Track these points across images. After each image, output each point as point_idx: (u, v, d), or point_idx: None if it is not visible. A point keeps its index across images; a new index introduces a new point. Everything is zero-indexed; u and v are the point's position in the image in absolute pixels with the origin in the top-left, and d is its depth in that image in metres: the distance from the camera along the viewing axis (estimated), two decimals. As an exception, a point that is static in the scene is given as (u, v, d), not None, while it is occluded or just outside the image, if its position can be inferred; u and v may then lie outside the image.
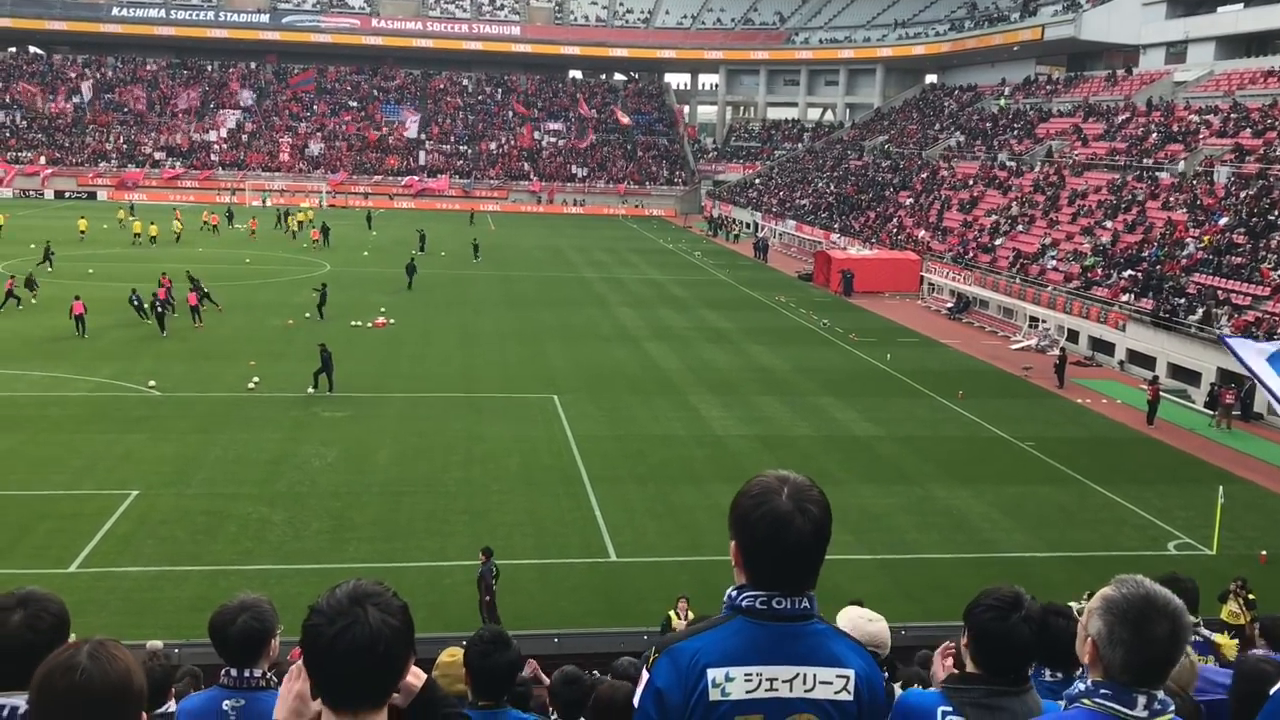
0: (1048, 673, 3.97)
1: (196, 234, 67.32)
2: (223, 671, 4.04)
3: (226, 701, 3.90)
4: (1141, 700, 2.79)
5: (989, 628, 3.43)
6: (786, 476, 2.90)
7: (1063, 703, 2.94)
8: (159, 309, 39.03)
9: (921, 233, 63.40)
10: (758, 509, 2.82)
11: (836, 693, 2.84)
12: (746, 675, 2.81)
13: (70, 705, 2.48)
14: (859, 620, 4.27)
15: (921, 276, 56.53)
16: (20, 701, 3.00)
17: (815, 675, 2.84)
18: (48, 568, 18.93)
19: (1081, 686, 2.88)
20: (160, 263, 51.25)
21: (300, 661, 2.73)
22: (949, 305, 52.25)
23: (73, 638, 3.11)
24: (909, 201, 70.81)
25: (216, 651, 4.10)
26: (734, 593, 2.90)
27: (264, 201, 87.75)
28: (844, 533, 21.92)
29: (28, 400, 29.59)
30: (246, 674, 3.99)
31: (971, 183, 67.06)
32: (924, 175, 73.97)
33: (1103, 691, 2.82)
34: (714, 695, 2.79)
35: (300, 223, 71.79)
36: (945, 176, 71.48)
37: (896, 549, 21.58)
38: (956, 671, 3.75)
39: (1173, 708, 2.83)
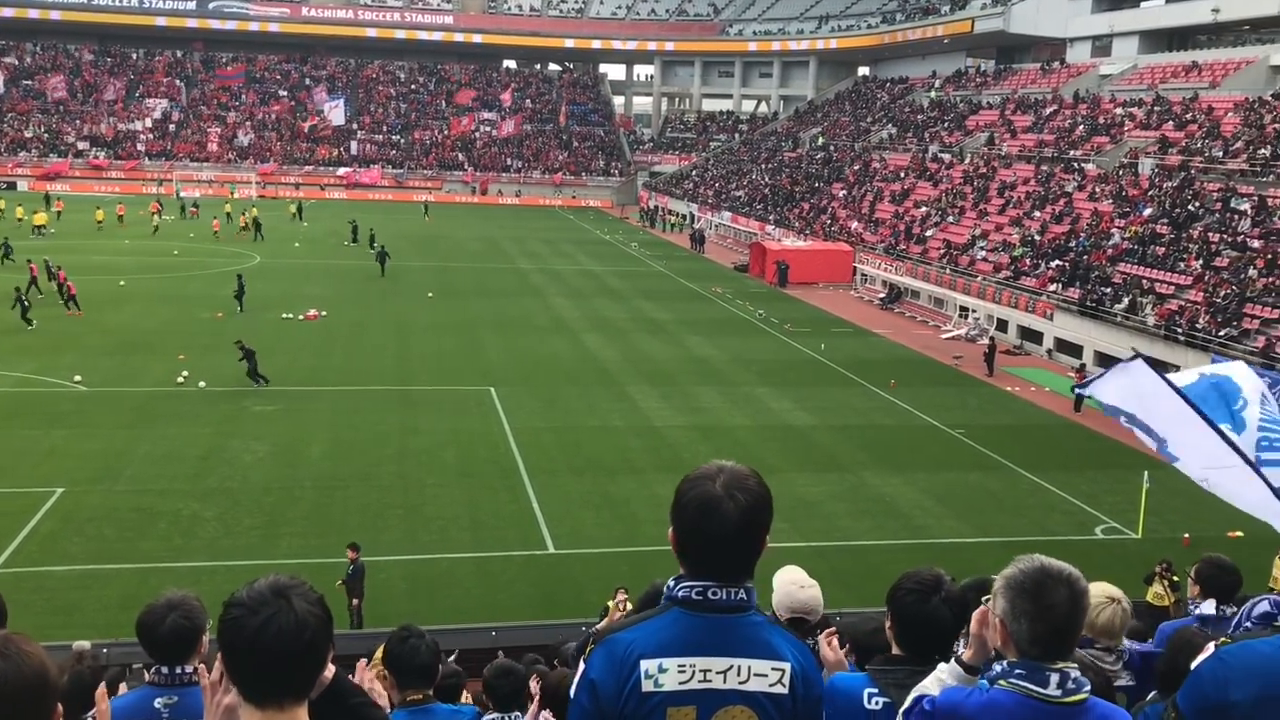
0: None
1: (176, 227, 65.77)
2: (152, 669, 3.96)
3: (159, 699, 3.84)
4: (1055, 679, 2.86)
5: (911, 610, 3.49)
6: (726, 465, 2.91)
7: (984, 683, 3.01)
8: (23, 301, 37.60)
9: (854, 224, 64.05)
10: (689, 493, 2.85)
11: (771, 685, 2.84)
12: (680, 666, 2.80)
13: None
14: (791, 589, 4.30)
15: (854, 267, 57.13)
16: None
17: (750, 667, 2.83)
18: (-31, 568, 18.47)
19: (998, 668, 2.96)
20: (79, 254, 50.12)
21: (221, 672, 2.66)
22: (881, 296, 52.87)
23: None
24: (842, 193, 71.48)
25: (145, 650, 4.02)
26: (672, 583, 2.91)
27: (177, 194, 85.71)
28: (779, 520, 21.92)
29: (-54, 396, 28.78)
30: (178, 671, 3.92)
31: (903, 174, 67.88)
32: (856, 167, 74.70)
33: (1017, 671, 2.90)
34: (646, 686, 2.78)
35: (229, 214, 70.26)
36: (877, 168, 72.27)
37: (831, 536, 21.82)
38: (840, 657, 3.82)
39: (1088, 688, 2.90)
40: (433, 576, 19.34)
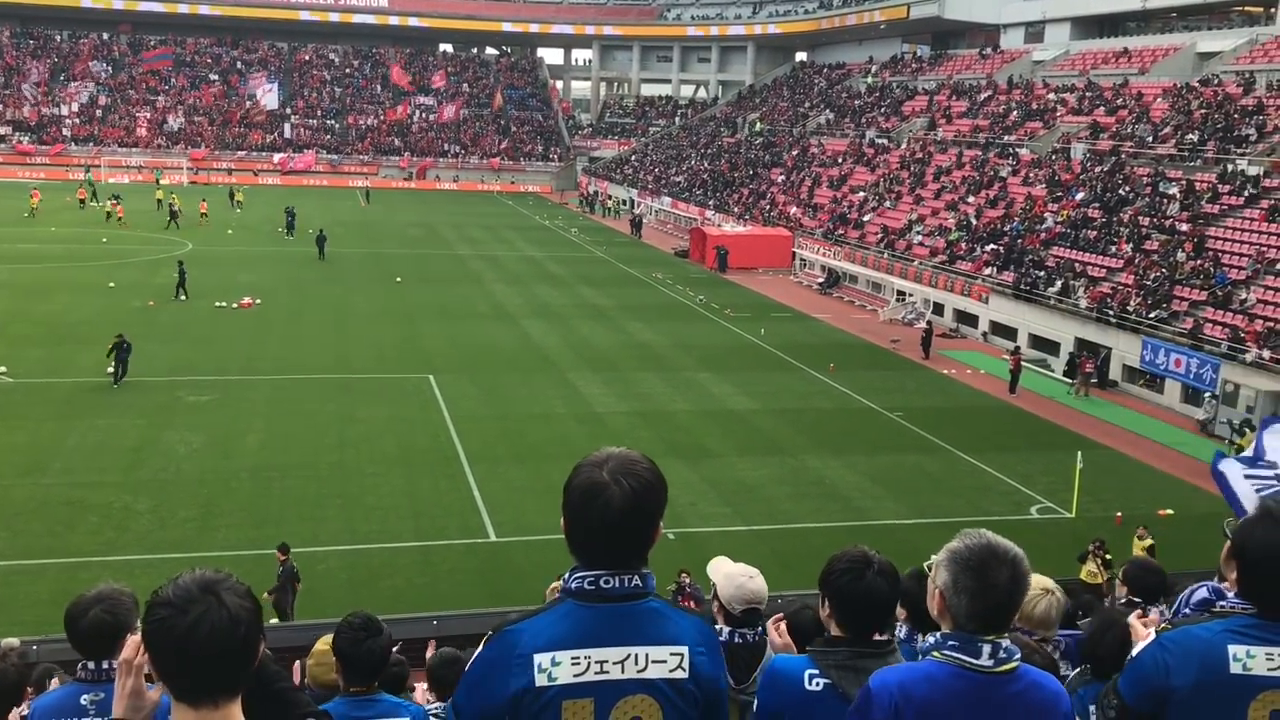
0: (919, 638, 4.06)
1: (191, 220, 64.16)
2: (79, 665, 3.87)
3: (85, 696, 3.75)
4: (986, 649, 2.88)
5: (848, 589, 3.49)
6: (616, 451, 2.87)
7: (917, 654, 3.02)
8: None
9: (793, 209, 64.40)
10: (576, 479, 2.81)
11: (671, 671, 2.79)
12: (574, 659, 2.74)
13: None
14: (741, 580, 4.28)
15: (794, 252, 57.47)
16: None
17: (647, 654, 2.78)
18: (-110, 566, 17.95)
19: (931, 639, 2.97)
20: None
21: (128, 656, 2.61)
22: (820, 280, 53.25)
23: None
24: (781, 178, 71.82)
25: (70, 644, 3.92)
26: (566, 575, 2.85)
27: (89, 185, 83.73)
28: (721, 505, 22.22)
29: None
30: (105, 666, 3.83)
31: (841, 160, 68.36)
32: (795, 152, 75.09)
33: (950, 643, 2.92)
34: (540, 680, 2.72)
35: (159, 200, 68.50)
36: (815, 154, 72.70)
37: (772, 519, 21.97)
38: (789, 641, 3.83)
39: (1018, 655, 2.92)
40: (373, 566, 19.18)
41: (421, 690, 7.53)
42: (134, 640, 2.65)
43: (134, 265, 48.53)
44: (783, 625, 3.97)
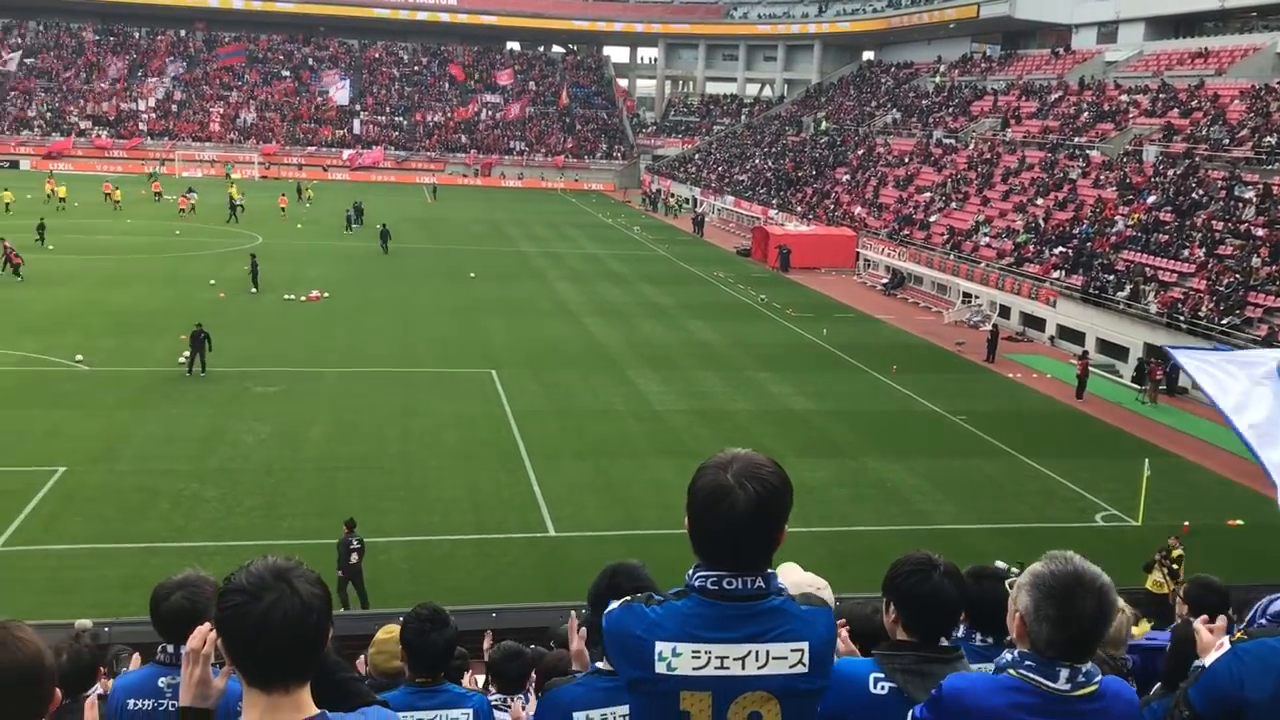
0: (978, 637, 4.04)
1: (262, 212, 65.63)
2: (159, 648, 3.99)
3: (162, 679, 3.87)
4: (1064, 673, 2.84)
5: (915, 590, 3.46)
6: (740, 453, 2.87)
7: (992, 668, 3.00)
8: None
9: (858, 209, 63.92)
10: (700, 480, 2.82)
11: (791, 667, 2.82)
12: (694, 651, 2.78)
13: None
14: (807, 589, 4.28)
15: (857, 252, 57.04)
16: None
17: (768, 652, 2.81)
18: (-29, 546, 18.52)
19: (1009, 656, 2.94)
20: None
21: (194, 646, 2.69)
22: (884, 281, 52.81)
23: None
24: (846, 178, 71.32)
25: (153, 626, 4.04)
26: (690, 571, 2.88)
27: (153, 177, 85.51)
28: (780, 506, 22.11)
29: (-52, 375, 28.79)
30: (182, 650, 3.94)
31: (907, 160, 67.69)
32: (861, 152, 74.50)
33: (1027, 663, 2.88)
34: (660, 668, 2.78)
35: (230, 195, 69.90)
36: (881, 153, 72.07)
37: (831, 521, 21.85)
38: (851, 646, 3.82)
39: (1098, 678, 2.88)
40: (435, 557, 19.40)
41: (468, 679, 7.63)
42: (201, 630, 2.74)
43: (205, 258, 49.54)
44: (844, 630, 3.97)
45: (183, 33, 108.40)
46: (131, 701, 3.84)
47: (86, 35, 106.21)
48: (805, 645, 2.84)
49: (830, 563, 18.93)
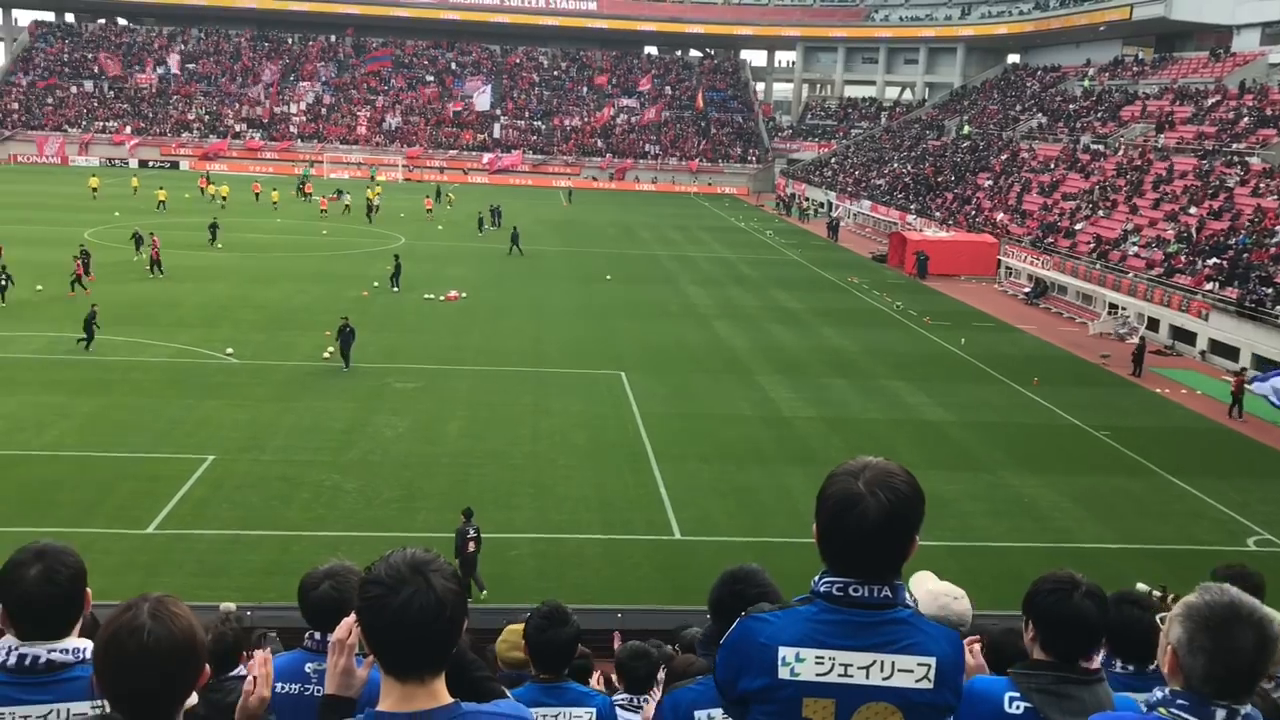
0: (1119, 664, 3.88)
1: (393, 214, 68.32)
2: (306, 634, 4.13)
3: (309, 664, 4.00)
4: (1221, 714, 2.66)
5: (1054, 609, 3.34)
6: (872, 461, 2.84)
7: (1142, 705, 2.85)
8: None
9: (1000, 215, 62.30)
10: (831, 488, 2.80)
11: (917, 681, 2.79)
12: (818, 658, 2.77)
13: (138, 665, 2.57)
14: (945, 600, 4.18)
15: (998, 260, 55.59)
16: (42, 651, 3.17)
17: (894, 663, 2.78)
18: (127, 528, 19.50)
19: (1160, 695, 2.78)
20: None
21: (340, 636, 2.78)
22: (1026, 290, 51.35)
23: (88, 595, 3.25)
24: (988, 183, 69.60)
25: (301, 614, 4.19)
26: (816, 577, 2.88)
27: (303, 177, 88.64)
28: (911, 518, 21.68)
29: (114, 364, 30.38)
30: (329, 638, 4.07)
31: (1053, 165, 65.70)
32: (1004, 157, 72.61)
33: (1179, 702, 2.70)
34: (782, 673, 2.77)
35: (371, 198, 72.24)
36: (1025, 159, 70.11)
37: (965, 536, 21.33)
38: (982, 662, 3.71)
39: None
40: (562, 555, 19.61)
41: (595, 679, 7.67)
42: (347, 622, 2.83)
43: (351, 257, 51.19)
44: (976, 646, 3.87)
45: (333, 38, 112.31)
46: (279, 685, 3.98)
47: (243, 41, 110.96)
48: (933, 661, 2.80)
49: (963, 578, 18.37)
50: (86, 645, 3.21)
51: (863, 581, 2.79)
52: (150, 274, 43.06)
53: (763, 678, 2.80)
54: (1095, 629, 3.37)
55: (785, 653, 2.78)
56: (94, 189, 69.38)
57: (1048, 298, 50.02)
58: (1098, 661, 3.43)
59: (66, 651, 3.19)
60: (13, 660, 3.17)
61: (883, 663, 2.78)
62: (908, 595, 2.88)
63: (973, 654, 3.82)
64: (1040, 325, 44.23)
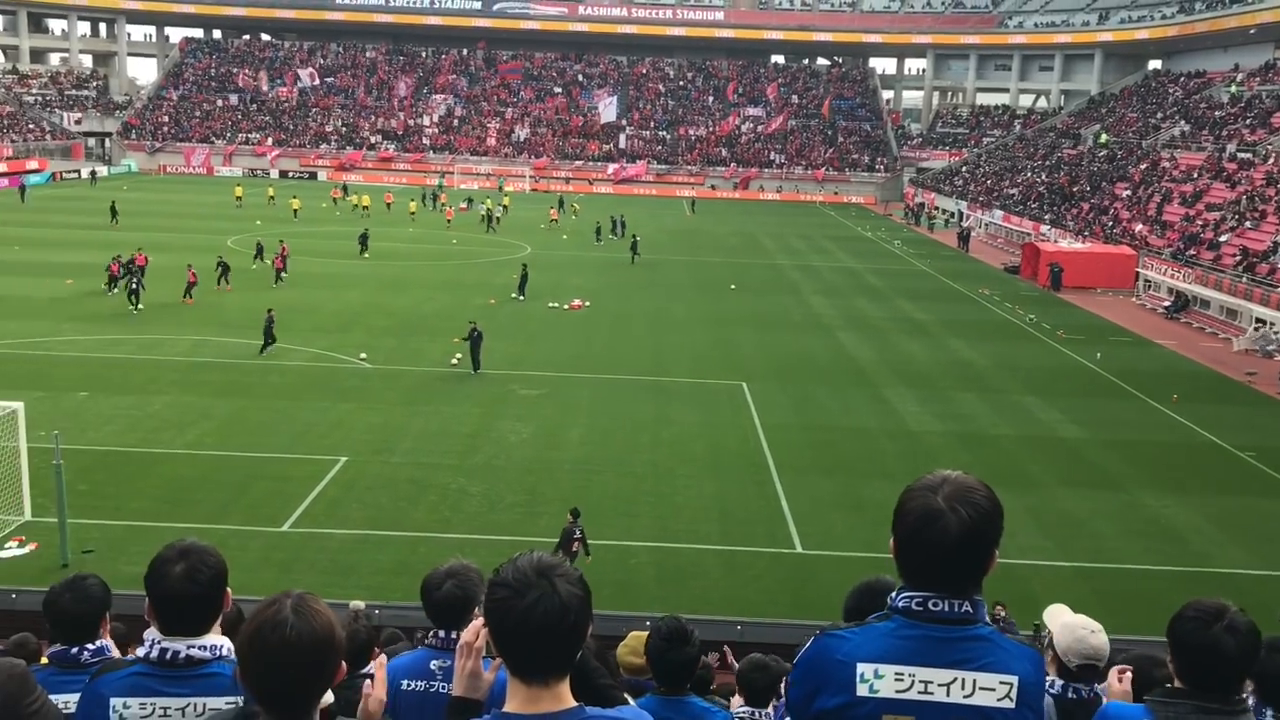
0: (1270, 714, 3.69)
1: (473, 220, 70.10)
2: (430, 633, 4.24)
3: (434, 661, 4.11)
4: None
5: (1191, 638, 3.22)
6: (951, 475, 2.82)
7: None
8: (132, 285, 38.79)
9: (1139, 226, 60.14)
10: (910, 503, 2.79)
11: (998, 700, 2.74)
12: (897, 674, 2.74)
13: (280, 660, 2.66)
14: (1082, 634, 4.05)
15: (1137, 272, 53.67)
16: (182, 646, 3.31)
17: (975, 680, 2.74)
18: (263, 525, 20.22)
19: None
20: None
21: (468, 639, 2.85)
22: (1166, 304, 49.44)
23: (225, 594, 3.38)
24: (1126, 193, 67.29)
25: (425, 613, 4.30)
26: (894, 593, 2.85)
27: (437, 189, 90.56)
28: (1042, 538, 21.09)
29: (252, 367, 31.59)
30: (453, 636, 4.18)
31: (1196, 175, 63.14)
32: (1143, 166, 70.11)
33: None
34: (861, 690, 2.74)
35: (504, 206, 73.76)
36: (1166, 168, 67.56)
37: (1097, 557, 20.62)
38: (1128, 689, 3.59)
39: None
40: (681, 565, 19.61)
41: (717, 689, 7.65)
42: (475, 625, 2.90)
43: (479, 266, 52.22)
44: (1128, 674, 3.74)
45: (464, 51, 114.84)
46: (405, 682, 4.09)
47: (378, 55, 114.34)
48: (1015, 680, 2.75)
49: (1095, 602, 17.86)
50: (225, 643, 3.37)
51: (943, 596, 2.75)
52: (275, 284, 43.79)
53: (840, 695, 2.76)
54: (1231, 664, 3.21)
55: (864, 669, 2.75)
56: (238, 198, 72.54)
57: (1189, 312, 48.08)
58: (1245, 696, 3.28)
59: (205, 648, 3.33)
60: (155, 653, 3.33)
61: (963, 680, 2.73)
62: (985, 611, 2.82)
63: (1121, 681, 3.71)
64: (1181, 341, 42.52)
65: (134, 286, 38.54)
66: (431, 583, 4.21)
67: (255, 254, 48.49)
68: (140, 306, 38.26)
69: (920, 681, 2.74)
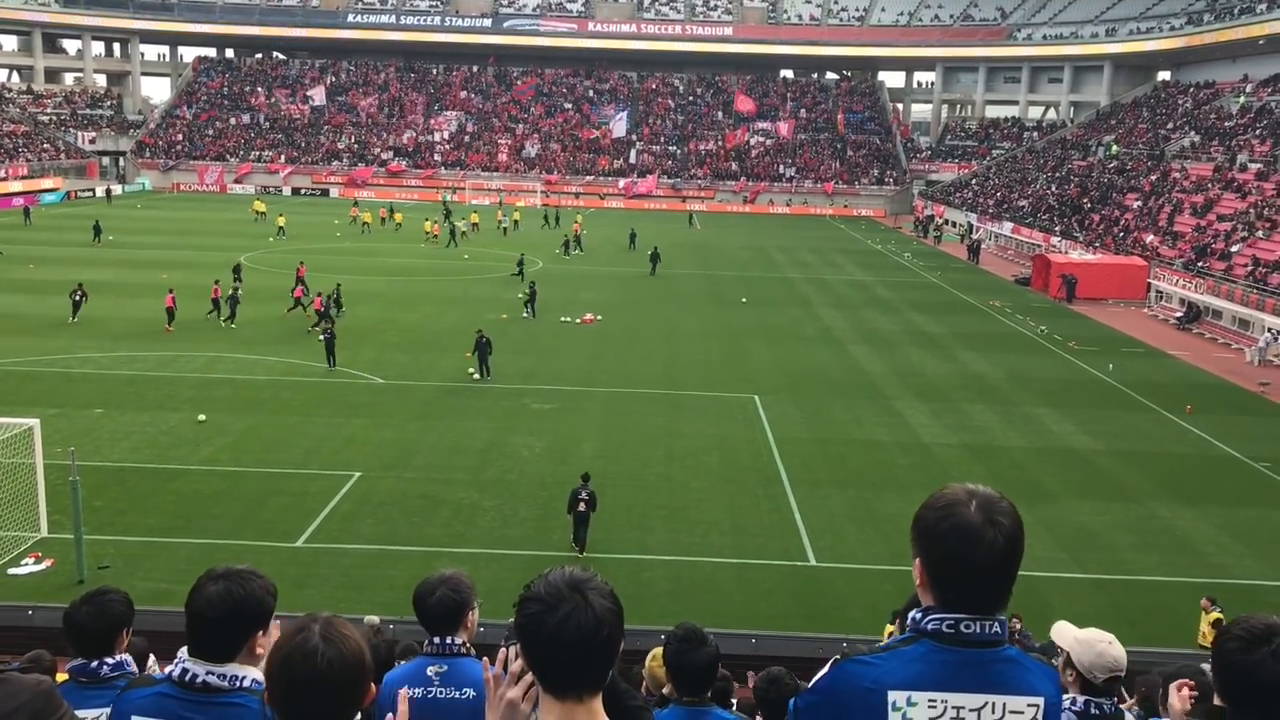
0: None
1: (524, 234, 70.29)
2: (427, 640, 4.29)
3: (430, 667, 4.18)
4: None
5: (1232, 660, 3.06)
6: (974, 489, 2.77)
7: None
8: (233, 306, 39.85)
9: (1150, 237, 60.03)
10: (944, 521, 2.71)
11: None
12: (930, 701, 2.69)
13: (311, 687, 2.65)
14: (1101, 646, 4.02)
15: (1148, 283, 53.55)
16: (201, 671, 3.25)
17: (1005, 704, 2.70)
18: (277, 541, 20.27)
19: None
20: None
21: (503, 667, 2.77)
22: (1178, 314, 49.31)
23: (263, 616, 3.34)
24: (1136, 204, 67.17)
25: (419, 621, 4.35)
26: (918, 614, 2.79)
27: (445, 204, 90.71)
28: (1057, 550, 21.02)
29: (265, 384, 31.71)
30: (448, 641, 4.24)
31: (1206, 185, 63.02)
32: (1154, 177, 70.01)
33: None
34: (893, 719, 2.69)
35: (516, 221, 73.90)
36: (1177, 179, 67.44)
37: (1113, 569, 20.55)
38: (1187, 706, 3.54)
39: None
40: (695, 578, 19.59)
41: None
42: (501, 655, 2.83)
43: (490, 281, 52.32)
44: (1186, 690, 3.68)
45: (474, 68, 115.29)
46: (402, 691, 4.11)
47: (390, 74, 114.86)
48: (1041, 701, 2.73)
49: (1112, 613, 17.81)
50: (251, 673, 3.28)
51: (975, 617, 2.70)
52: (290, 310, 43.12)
53: None
54: (1275, 693, 2.93)
55: (895, 697, 2.68)
56: (259, 212, 73.12)
57: (1201, 322, 47.93)
58: None
59: (224, 677, 3.25)
60: (177, 672, 3.30)
61: (994, 704, 2.69)
62: (1011, 632, 2.79)
63: (1180, 698, 3.64)
64: (1194, 351, 42.39)
65: (232, 304, 39.62)
66: (424, 591, 4.30)
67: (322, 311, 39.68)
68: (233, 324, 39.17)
69: (953, 708, 2.69)
